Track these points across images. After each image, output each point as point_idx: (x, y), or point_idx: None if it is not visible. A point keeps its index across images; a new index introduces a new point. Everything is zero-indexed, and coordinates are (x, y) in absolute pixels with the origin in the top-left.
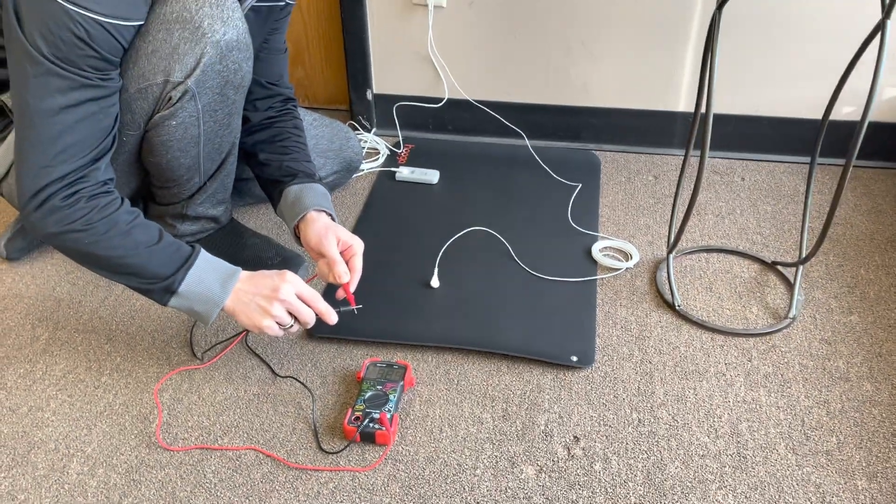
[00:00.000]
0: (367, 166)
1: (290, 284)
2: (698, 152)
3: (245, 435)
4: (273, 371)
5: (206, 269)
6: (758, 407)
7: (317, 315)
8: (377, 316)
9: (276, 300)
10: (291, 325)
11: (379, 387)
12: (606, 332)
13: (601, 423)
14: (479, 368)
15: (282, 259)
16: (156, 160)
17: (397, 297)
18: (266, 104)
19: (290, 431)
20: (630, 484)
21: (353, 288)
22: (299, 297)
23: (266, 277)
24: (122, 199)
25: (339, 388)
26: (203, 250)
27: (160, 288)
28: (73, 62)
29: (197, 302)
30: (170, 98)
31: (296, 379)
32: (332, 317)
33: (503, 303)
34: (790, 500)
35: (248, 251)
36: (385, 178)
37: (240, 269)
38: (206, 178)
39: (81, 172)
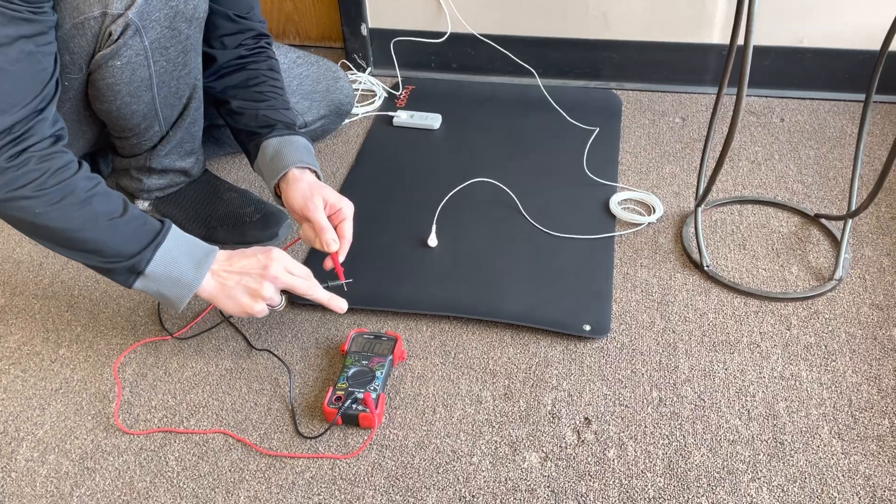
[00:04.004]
0: (361, 110)
1: (279, 262)
2: (733, 90)
3: (214, 416)
4: (249, 343)
5: (179, 248)
6: (797, 384)
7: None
8: (366, 280)
9: (266, 280)
10: (282, 303)
11: (364, 362)
12: (624, 296)
13: (616, 402)
14: (479, 340)
15: (262, 215)
16: (105, 107)
17: (389, 258)
18: (235, 41)
19: (265, 412)
20: (648, 474)
21: (342, 257)
22: (288, 271)
23: (249, 256)
24: (81, 163)
25: (321, 362)
26: (174, 226)
27: (123, 268)
28: None
29: (167, 285)
30: (110, 34)
31: (272, 353)
32: (337, 304)
33: (508, 264)
34: (834, 494)
35: (223, 207)
36: (381, 124)
37: (216, 248)
38: (167, 126)
39: (26, 125)
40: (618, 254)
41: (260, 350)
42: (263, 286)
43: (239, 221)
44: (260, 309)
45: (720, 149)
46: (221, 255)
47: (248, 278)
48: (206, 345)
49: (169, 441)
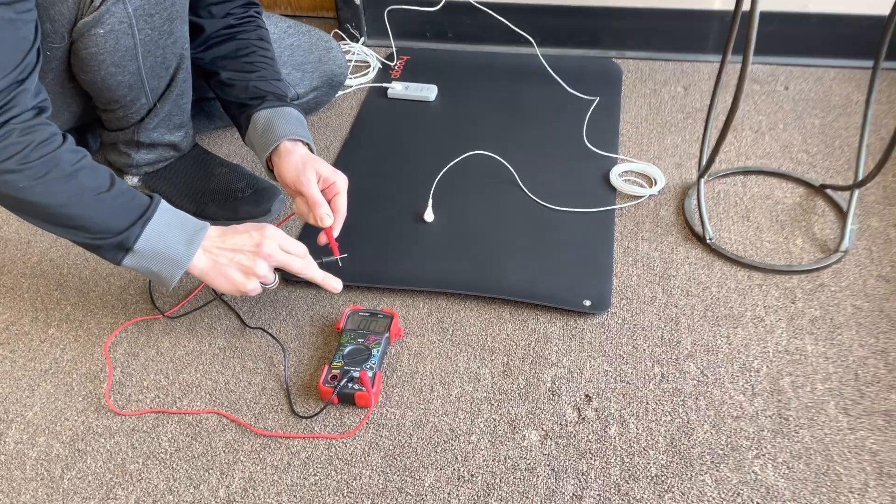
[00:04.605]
0: (354, 82)
1: (273, 239)
2: (736, 58)
3: (208, 396)
4: (242, 321)
5: (169, 223)
6: (802, 358)
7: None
8: (361, 255)
9: (259, 257)
10: (275, 281)
11: (360, 339)
12: (625, 270)
13: (617, 378)
14: (478, 316)
15: (254, 191)
16: (89, 78)
17: (385, 233)
18: (223, 10)
19: (259, 392)
20: (650, 451)
21: (336, 232)
22: (282, 248)
23: (242, 233)
24: (65, 136)
25: (317, 340)
26: (164, 202)
27: (111, 244)
28: None
29: (157, 262)
30: (91, 0)
31: (265, 331)
32: (332, 283)
33: (506, 239)
34: (841, 470)
35: (214, 182)
36: (375, 96)
37: (208, 224)
38: (155, 98)
39: (7, 96)
40: (618, 227)
41: (254, 328)
42: (257, 264)
43: (231, 197)
44: (253, 287)
45: (723, 119)
46: (213, 231)
47: (241, 255)
48: (199, 323)
49: (161, 422)
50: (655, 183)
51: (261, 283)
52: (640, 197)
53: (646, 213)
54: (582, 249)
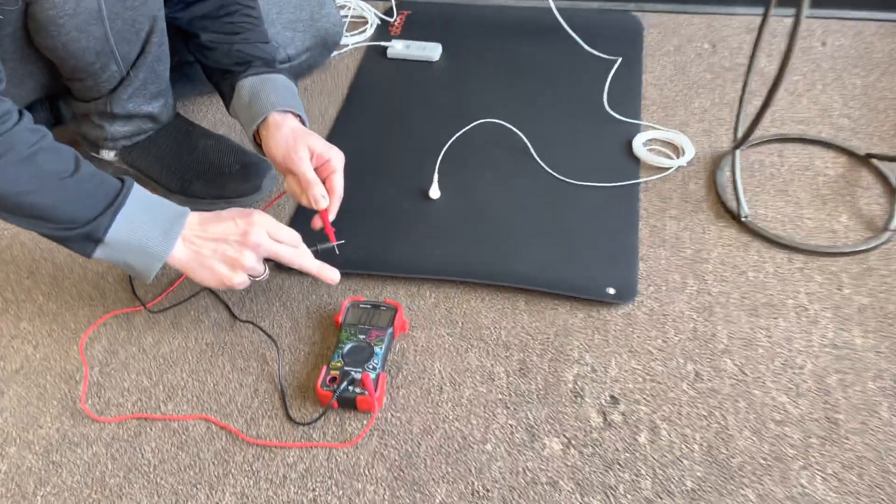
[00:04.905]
0: (350, 41)
1: (261, 227)
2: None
3: (195, 399)
4: (232, 313)
5: (142, 211)
6: (851, 353)
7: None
8: (360, 240)
9: (247, 248)
10: (265, 273)
11: (362, 336)
12: (652, 253)
13: (647, 377)
14: (490, 307)
15: (242, 166)
16: (49, 44)
17: (386, 214)
18: None
19: (251, 395)
20: (685, 462)
21: (332, 215)
22: (272, 237)
23: (227, 220)
24: (22, 113)
25: (313, 334)
26: (137, 186)
27: (79, 236)
28: None
29: (132, 254)
30: None
31: (257, 326)
32: (329, 275)
33: (520, 219)
34: None
35: (199, 156)
36: (374, 56)
37: (188, 210)
38: (127, 66)
39: None
40: (643, 203)
41: (244, 322)
42: (244, 255)
43: (217, 173)
44: (240, 281)
45: (774, 79)
46: (193, 218)
47: (226, 246)
48: (185, 316)
49: (144, 429)
50: (683, 153)
51: (249, 275)
52: (667, 169)
53: (673, 188)
54: (604, 230)
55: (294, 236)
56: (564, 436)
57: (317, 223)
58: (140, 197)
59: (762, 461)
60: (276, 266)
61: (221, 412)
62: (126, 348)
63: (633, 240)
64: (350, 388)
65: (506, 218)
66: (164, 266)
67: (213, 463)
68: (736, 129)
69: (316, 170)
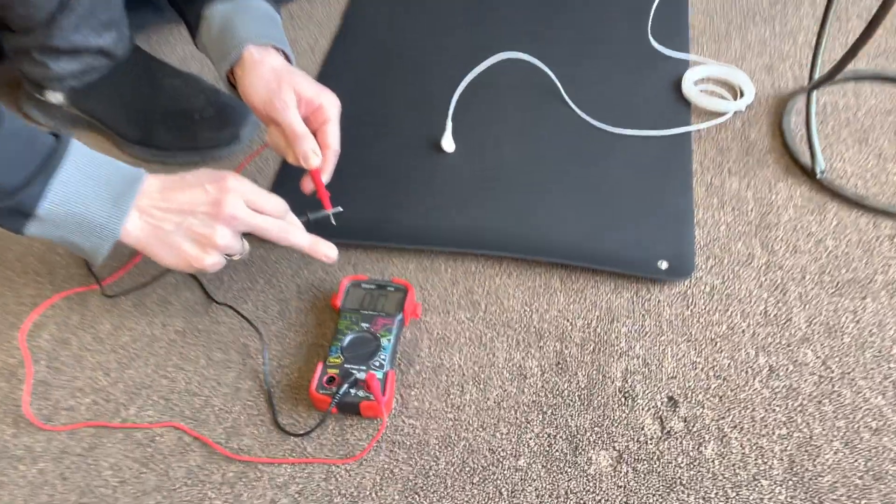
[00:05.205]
0: None
1: (237, 194)
2: None
3: (163, 402)
4: (207, 294)
5: (85, 175)
6: None
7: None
8: (360, 206)
9: (219, 221)
10: (244, 251)
11: (365, 325)
12: (710, 218)
13: (710, 373)
14: (519, 286)
15: (216, 110)
16: None
17: (392, 173)
18: None
19: (232, 396)
20: (763, 482)
21: (326, 176)
22: (251, 206)
23: (194, 186)
24: None
25: (306, 319)
26: (77, 144)
27: (6, 209)
28: None
29: (73, 230)
30: None
31: (237, 311)
32: (324, 250)
33: (551, 175)
34: None
35: (164, 98)
36: None
37: (143, 172)
38: None
39: None
40: (697, 156)
41: (222, 304)
42: (216, 230)
43: (186, 119)
44: (213, 262)
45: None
46: (152, 183)
47: (194, 219)
48: (150, 297)
49: (101, 440)
50: (741, 94)
51: (225, 255)
52: (723, 114)
53: (732, 137)
54: (651, 189)
55: (279, 204)
56: (614, 448)
57: (307, 186)
58: (82, 157)
59: (857, 481)
60: (259, 240)
61: (195, 418)
62: (79, 337)
63: (687, 201)
64: (352, 390)
65: (534, 175)
66: (118, 244)
67: (186, 484)
68: (813, 65)
69: (305, 119)
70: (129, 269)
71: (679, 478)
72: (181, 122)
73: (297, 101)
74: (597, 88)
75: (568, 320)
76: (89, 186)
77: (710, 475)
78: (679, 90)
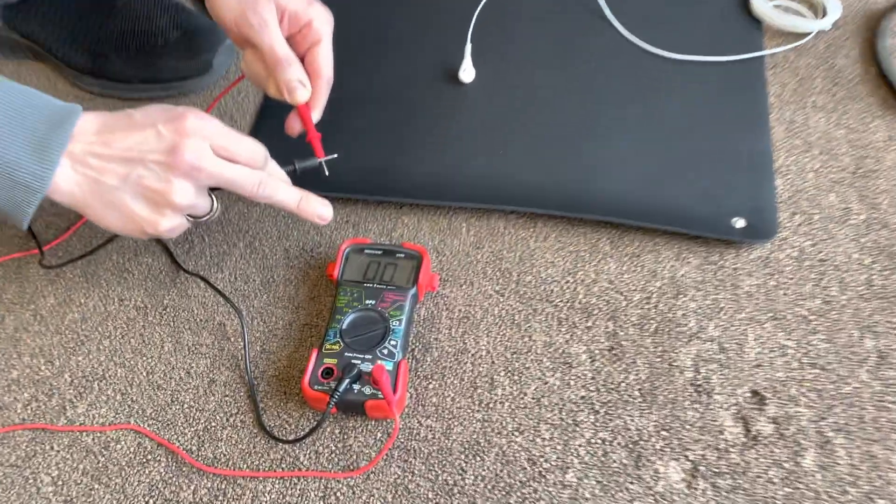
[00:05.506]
0: None
1: (199, 137)
2: None
3: (119, 398)
4: (175, 261)
5: (2, 115)
6: None
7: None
8: (362, 152)
9: (178, 172)
10: (212, 211)
11: (370, 301)
12: (794, 164)
13: (805, 360)
14: (559, 250)
15: (183, 33)
16: None
17: (398, 108)
18: None
19: (205, 391)
20: (879, 502)
21: (317, 112)
22: (219, 153)
23: (143, 127)
24: None
25: (296, 295)
26: None
27: None
28: None
29: None
30: None
31: (210, 284)
32: (314, 209)
33: (594, 113)
34: None
35: (118, 19)
36: None
37: (77, 108)
38: None
39: None
40: (773, 87)
41: (193, 275)
42: (174, 186)
43: (146, 43)
44: (171, 226)
45: None
46: (88, 123)
47: (144, 171)
48: (103, 265)
49: (41, 447)
50: (825, 12)
51: (187, 216)
52: (804, 35)
53: (814, 63)
54: (719, 128)
55: (256, 150)
56: (687, 458)
57: (293, 126)
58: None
59: None
60: (234, 195)
61: (159, 419)
62: (15, 315)
63: (764, 143)
64: (355, 385)
65: (574, 112)
66: (49, 202)
67: (148, 503)
68: None
69: (289, 39)
70: (79, 229)
71: (772, 498)
72: (140, 48)
73: (279, 17)
74: (648, 5)
75: (621, 294)
76: (6, 127)
77: (812, 493)
78: (748, 6)
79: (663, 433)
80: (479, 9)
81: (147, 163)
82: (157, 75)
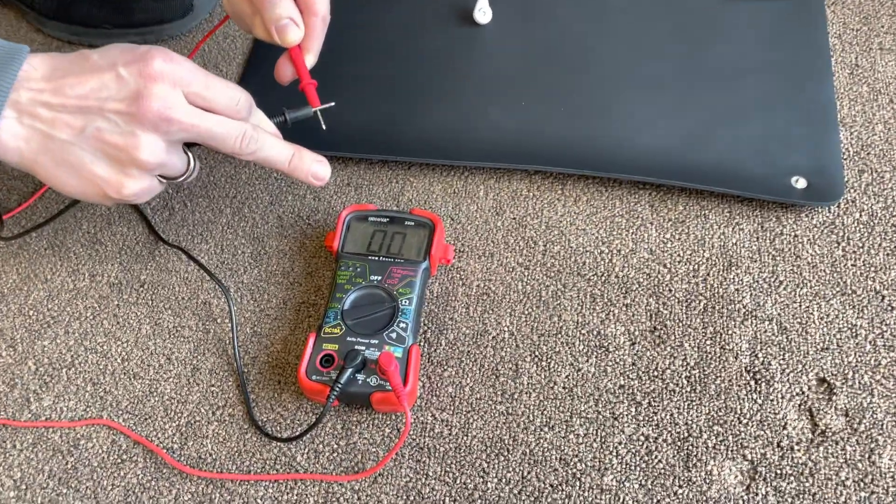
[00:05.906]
0: None
1: (169, 79)
2: None
3: (90, 388)
4: (153, 230)
5: None
6: None
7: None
8: (363, 103)
9: (144, 123)
10: (189, 170)
11: (375, 277)
12: (860, 114)
13: (879, 343)
14: (592, 216)
15: None
16: None
17: (404, 54)
18: None
19: (187, 380)
20: None
21: (311, 57)
22: (193, 101)
23: (101, 70)
24: None
25: (291, 269)
26: None
27: None
28: None
29: None
30: None
31: (192, 257)
32: (309, 167)
33: (628, 59)
34: None
35: None
36: None
37: (24, 48)
38: None
39: None
40: (834, 28)
41: (173, 246)
42: (140, 141)
43: None
44: (139, 189)
45: None
46: (36, 66)
47: (104, 123)
48: (72, 235)
49: (2, 445)
50: None
51: (158, 177)
52: None
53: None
54: (774, 74)
55: (238, 97)
56: (744, 457)
57: (284, 71)
58: None
59: None
60: (217, 153)
61: (136, 413)
62: None
63: (826, 91)
64: (359, 375)
65: (607, 57)
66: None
67: None
68: None
69: None
70: (44, 195)
71: (844, 503)
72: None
73: None
74: None
75: (665, 266)
76: None
77: (891, 499)
78: None
79: (716, 428)
80: None
81: (107, 113)
82: (131, 18)
